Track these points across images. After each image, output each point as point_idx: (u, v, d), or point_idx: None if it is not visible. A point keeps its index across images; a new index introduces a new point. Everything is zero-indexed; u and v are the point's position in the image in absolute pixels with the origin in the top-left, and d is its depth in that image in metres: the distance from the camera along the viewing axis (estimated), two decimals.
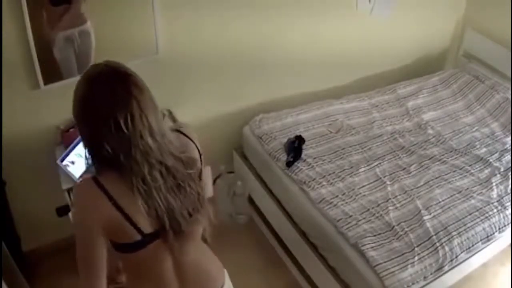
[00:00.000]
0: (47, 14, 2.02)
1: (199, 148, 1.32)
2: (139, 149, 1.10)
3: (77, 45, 2.16)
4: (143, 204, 1.13)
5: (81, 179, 1.22)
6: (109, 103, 1.08)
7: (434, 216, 2.25)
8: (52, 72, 2.13)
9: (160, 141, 1.14)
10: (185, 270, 1.31)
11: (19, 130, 2.23)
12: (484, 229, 2.24)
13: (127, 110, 1.08)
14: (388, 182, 2.44)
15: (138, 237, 1.16)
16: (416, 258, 2.05)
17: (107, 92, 1.09)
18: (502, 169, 2.57)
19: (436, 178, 2.49)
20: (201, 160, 1.31)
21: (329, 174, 2.46)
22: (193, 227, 1.25)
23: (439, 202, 2.33)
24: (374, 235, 2.13)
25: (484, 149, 2.73)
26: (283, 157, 2.54)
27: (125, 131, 1.08)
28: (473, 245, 2.20)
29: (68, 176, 2.16)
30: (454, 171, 2.54)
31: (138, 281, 1.30)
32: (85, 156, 1.16)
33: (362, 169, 2.51)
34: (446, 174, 2.51)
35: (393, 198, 2.35)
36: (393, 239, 2.13)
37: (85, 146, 1.15)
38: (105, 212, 1.12)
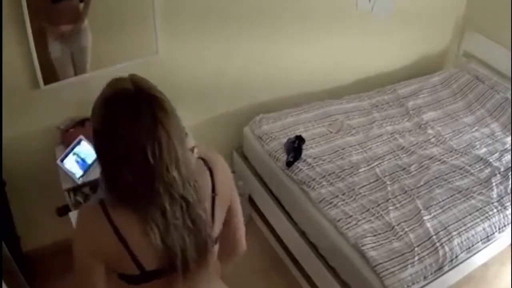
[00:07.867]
0: (45, 12, 1.98)
1: (215, 183, 1.17)
2: (163, 181, 1.01)
3: (71, 44, 2.10)
4: (157, 240, 1.04)
5: (87, 204, 1.15)
6: (134, 130, 0.98)
7: (434, 216, 2.25)
8: (52, 72, 2.12)
9: (184, 174, 1.04)
10: None
11: (19, 130, 2.22)
12: (484, 229, 2.24)
13: (154, 139, 0.98)
14: (388, 182, 2.44)
15: (137, 272, 1.09)
16: (416, 258, 2.05)
17: (131, 117, 0.98)
18: (502, 169, 2.57)
19: (436, 178, 2.49)
20: (213, 200, 1.16)
21: (329, 174, 2.45)
22: (201, 269, 1.15)
23: (439, 202, 2.33)
24: (374, 235, 2.13)
25: (484, 149, 2.73)
26: (283, 157, 2.53)
27: (151, 162, 0.98)
28: (473, 245, 2.20)
29: (68, 176, 2.17)
30: (454, 171, 2.54)
31: None
32: (97, 185, 1.09)
33: (362, 169, 2.51)
34: (446, 174, 2.51)
35: (393, 198, 2.35)
36: (393, 239, 2.13)
37: (102, 170, 1.06)
38: (107, 242, 1.06)
